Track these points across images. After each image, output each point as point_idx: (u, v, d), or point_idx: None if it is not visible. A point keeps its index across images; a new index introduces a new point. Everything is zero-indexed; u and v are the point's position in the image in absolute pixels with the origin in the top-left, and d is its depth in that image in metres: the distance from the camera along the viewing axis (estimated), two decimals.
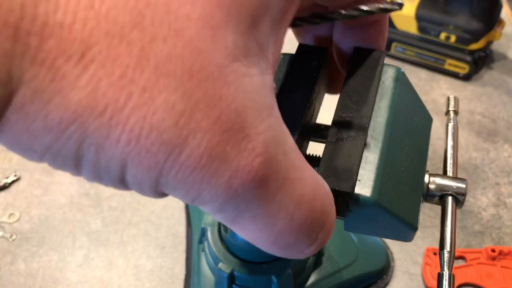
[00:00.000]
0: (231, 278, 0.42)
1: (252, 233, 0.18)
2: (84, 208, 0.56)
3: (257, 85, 0.16)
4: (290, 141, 0.18)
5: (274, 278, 0.41)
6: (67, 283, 0.51)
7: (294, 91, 0.27)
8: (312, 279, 0.46)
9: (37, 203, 0.57)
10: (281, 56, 0.30)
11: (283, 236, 0.18)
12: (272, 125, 0.17)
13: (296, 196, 0.17)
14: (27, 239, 0.54)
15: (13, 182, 0.59)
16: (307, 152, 0.28)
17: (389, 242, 0.53)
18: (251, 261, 0.42)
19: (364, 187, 0.24)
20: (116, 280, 0.51)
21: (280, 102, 0.26)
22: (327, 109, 0.27)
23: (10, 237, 0.54)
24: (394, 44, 0.71)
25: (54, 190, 0.58)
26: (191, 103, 0.15)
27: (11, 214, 0.56)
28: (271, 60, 0.18)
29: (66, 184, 0.58)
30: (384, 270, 0.50)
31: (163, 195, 0.17)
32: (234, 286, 0.43)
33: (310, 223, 0.18)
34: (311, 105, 0.27)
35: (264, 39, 0.17)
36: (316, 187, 0.18)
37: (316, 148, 0.26)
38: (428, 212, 0.55)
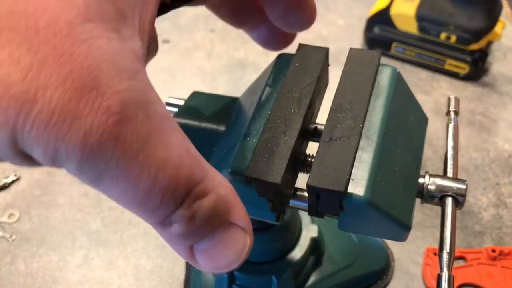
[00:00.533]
0: (231, 278, 0.42)
1: (116, 194, 0.17)
2: (84, 208, 0.56)
3: (116, 48, 0.16)
4: (156, 105, 0.17)
5: (274, 278, 0.41)
6: (67, 283, 0.51)
7: (295, 91, 0.27)
8: (312, 279, 0.46)
9: (37, 203, 0.57)
10: (282, 56, 0.30)
11: (147, 198, 0.17)
12: (134, 87, 0.16)
13: (160, 158, 0.17)
14: (27, 239, 0.54)
15: (13, 182, 0.59)
16: (307, 152, 0.28)
17: (389, 242, 0.53)
18: (251, 261, 0.42)
19: (357, 186, 0.24)
20: (116, 280, 0.51)
21: (281, 102, 0.26)
22: (326, 110, 0.27)
23: (10, 237, 0.54)
24: (394, 44, 0.71)
25: (54, 190, 0.58)
26: (39, 58, 0.15)
27: (11, 214, 0.56)
28: (137, 29, 0.18)
29: (66, 184, 0.58)
30: (384, 270, 0.50)
31: (27, 158, 0.16)
32: (234, 286, 0.43)
33: (175, 187, 0.18)
34: (311, 105, 0.27)
35: (125, 5, 0.17)
36: (183, 154, 0.18)
37: (314, 148, 0.26)
38: (428, 212, 0.55)
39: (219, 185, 0.19)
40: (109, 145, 0.16)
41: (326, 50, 0.28)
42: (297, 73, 0.27)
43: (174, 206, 0.18)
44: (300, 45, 0.29)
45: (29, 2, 0.15)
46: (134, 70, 0.17)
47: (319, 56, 0.28)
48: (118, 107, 0.16)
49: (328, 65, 0.29)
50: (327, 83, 0.30)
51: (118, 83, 0.16)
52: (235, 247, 0.20)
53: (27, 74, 0.14)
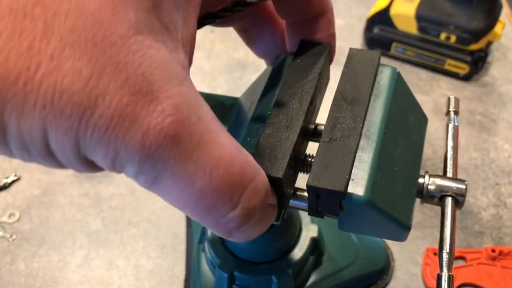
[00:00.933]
0: (231, 278, 0.42)
1: (174, 194, 0.19)
2: (84, 208, 0.56)
3: (166, 57, 0.18)
4: (205, 109, 0.19)
5: (274, 278, 0.41)
6: (67, 283, 0.51)
7: (296, 87, 0.27)
8: (312, 279, 0.46)
9: (37, 203, 0.57)
10: (281, 56, 0.30)
11: (204, 196, 0.18)
12: (183, 92, 0.18)
13: (213, 157, 0.18)
14: (27, 239, 0.54)
15: (13, 182, 0.59)
16: (307, 152, 0.28)
17: (389, 242, 0.53)
18: (251, 261, 0.42)
19: (357, 186, 0.24)
20: (116, 280, 0.51)
21: (283, 97, 0.26)
22: (326, 109, 0.27)
23: (10, 237, 0.54)
24: (394, 44, 0.71)
25: (54, 190, 0.58)
26: (98, 68, 0.16)
27: (11, 214, 0.56)
28: (180, 41, 0.19)
29: (66, 184, 0.58)
30: (384, 270, 0.50)
31: (89, 163, 0.18)
32: (234, 286, 0.43)
33: (230, 185, 0.19)
34: (312, 101, 0.27)
35: (168, 20, 0.18)
36: (234, 153, 0.19)
37: (315, 148, 0.26)
38: (428, 212, 0.55)
39: (263, 180, 0.21)
40: (166, 144, 0.17)
41: (327, 47, 0.28)
42: (298, 70, 0.27)
43: (230, 205, 0.19)
44: (302, 42, 0.29)
45: (88, 18, 0.16)
46: (182, 77, 0.18)
47: (321, 53, 0.28)
48: (172, 110, 0.17)
49: (329, 61, 0.29)
50: (328, 79, 0.30)
51: (170, 88, 0.17)
52: (267, 221, 0.22)
53: (88, 83, 0.16)
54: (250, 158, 0.20)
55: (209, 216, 0.19)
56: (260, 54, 0.33)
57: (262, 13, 0.30)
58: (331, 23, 0.29)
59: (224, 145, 0.19)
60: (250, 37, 0.32)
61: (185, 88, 0.18)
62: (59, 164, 0.18)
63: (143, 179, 0.18)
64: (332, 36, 0.29)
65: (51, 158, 0.17)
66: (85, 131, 0.16)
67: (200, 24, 0.24)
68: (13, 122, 0.16)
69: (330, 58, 0.29)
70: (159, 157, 0.17)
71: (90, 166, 0.18)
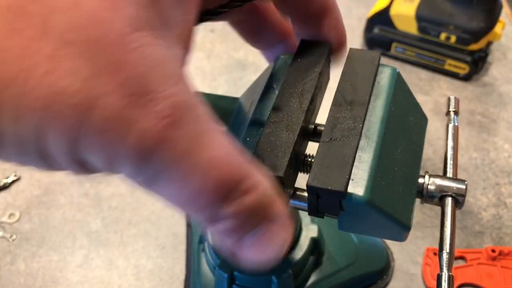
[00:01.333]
0: (231, 278, 0.42)
1: (171, 194, 0.18)
2: (84, 208, 0.56)
3: (164, 55, 0.17)
4: (202, 108, 0.19)
5: (274, 278, 0.41)
6: (67, 283, 0.51)
7: (297, 85, 0.27)
8: (312, 279, 0.46)
9: (37, 203, 0.57)
10: (281, 56, 0.31)
11: (200, 196, 0.18)
12: (180, 91, 0.17)
13: (209, 157, 0.18)
14: (27, 239, 0.54)
15: (13, 182, 0.59)
16: (307, 152, 0.28)
17: (389, 242, 0.53)
18: None
19: (357, 186, 0.24)
20: (116, 280, 0.51)
21: (283, 97, 0.26)
22: (326, 109, 0.27)
23: (10, 237, 0.54)
24: (394, 44, 0.71)
25: (54, 190, 0.58)
26: (95, 68, 0.15)
27: (11, 214, 0.56)
28: (180, 37, 0.19)
29: (66, 184, 0.58)
30: (384, 270, 0.50)
31: (86, 166, 0.17)
32: (234, 286, 0.43)
33: (225, 184, 0.19)
34: (313, 100, 0.27)
35: (168, 15, 0.18)
36: (230, 152, 0.19)
37: (314, 148, 0.26)
38: (428, 212, 0.55)
39: (261, 181, 0.20)
40: (163, 146, 0.17)
41: (328, 46, 0.28)
42: (299, 68, 0.28)
43: (222, 203, 0.19)
44: (302, 41, 0.29)
45: (86, 16, 0.16)
46: (179, 76, 0.18)
47: (321, 52, 0.28)
48: (169, 111, 0.17)
49: (329, 60, 0.29)
50: (328, 79, 0.30)
51: (166, 88, 0.17)
52: (276, 241, 0.21)
53: (85, 84, 0.15)
54: (245, 157, 0.20)
55: (204, 215, 0.19)
56: (257, 45, 0.32)
57: (259, 5, 0.30)
58: (338, 21, 0.28)
59: (219, 145, 0.19)
60: (246, 29, 0.31)
61: (182, 87, 0.18)
62: (56, 167, 0.17)
63: (140, 180, 0.18)
64: (342, 34, 0.29)
65: (48, 161, 0.17)
66: (82, 134, 0.16)
67: (199, 21, 0.24)
68: (11, 125, 0.15)
69: (340, 57, 0.29)
70: (156, 159, 0.17)
71: (87, 168, 0.18)
